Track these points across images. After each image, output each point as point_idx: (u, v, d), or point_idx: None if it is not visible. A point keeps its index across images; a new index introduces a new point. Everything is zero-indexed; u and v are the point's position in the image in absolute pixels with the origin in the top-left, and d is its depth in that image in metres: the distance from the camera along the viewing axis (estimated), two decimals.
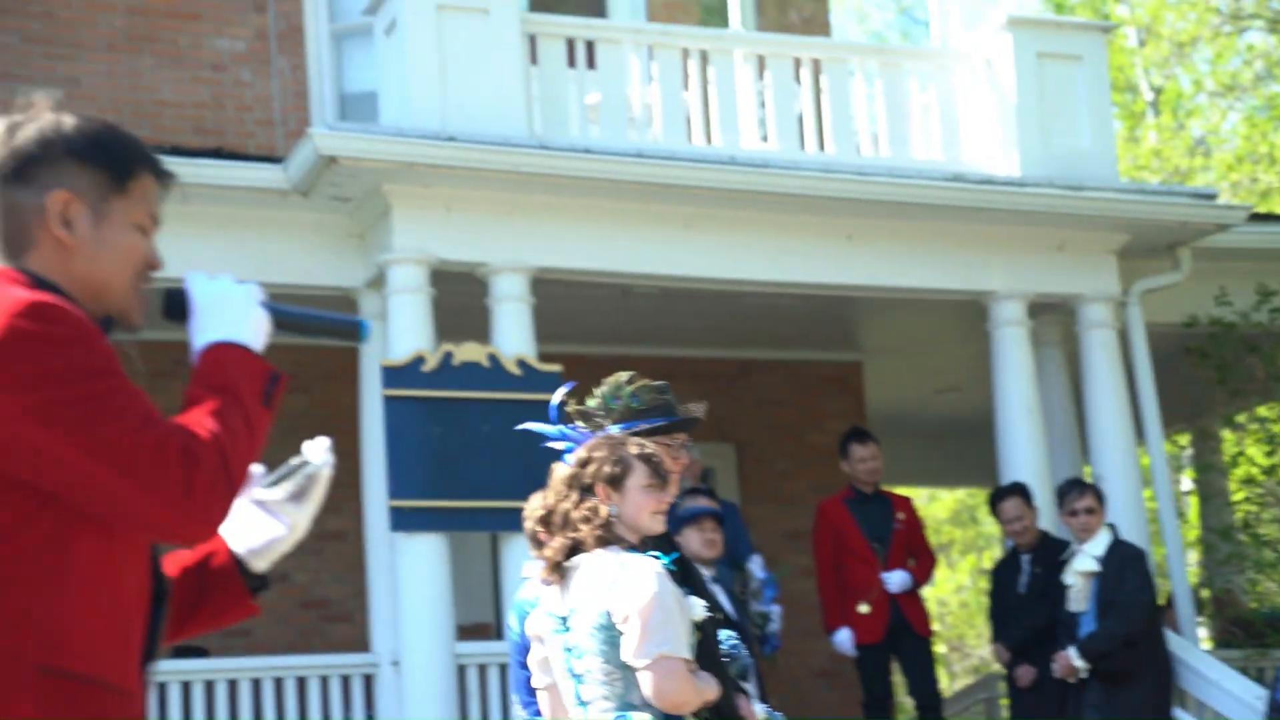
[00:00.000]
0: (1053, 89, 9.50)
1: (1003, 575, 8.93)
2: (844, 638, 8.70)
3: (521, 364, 8.32)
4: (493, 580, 9.10)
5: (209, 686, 8.15)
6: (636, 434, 4.08)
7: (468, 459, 8.12)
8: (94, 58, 9.99)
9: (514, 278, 8.43)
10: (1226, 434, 12.43)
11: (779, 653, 8.19)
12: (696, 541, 7.14)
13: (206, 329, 2.16)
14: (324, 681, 8.36)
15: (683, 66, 9.08)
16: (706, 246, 8.87)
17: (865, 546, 8.76)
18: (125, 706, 2.07)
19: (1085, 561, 8.20)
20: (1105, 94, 9.80)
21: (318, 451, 2.32)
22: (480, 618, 9.69)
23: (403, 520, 8.08)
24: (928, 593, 10.75)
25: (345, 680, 8.40)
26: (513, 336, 8.39)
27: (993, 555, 22.65)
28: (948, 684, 22.49)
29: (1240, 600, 10.84)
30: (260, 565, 2.34)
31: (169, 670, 7.94)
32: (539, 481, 4.17)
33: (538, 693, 4.03)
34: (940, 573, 21.38)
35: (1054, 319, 9.89)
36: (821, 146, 9.30)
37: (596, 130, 8.87)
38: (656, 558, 3.83)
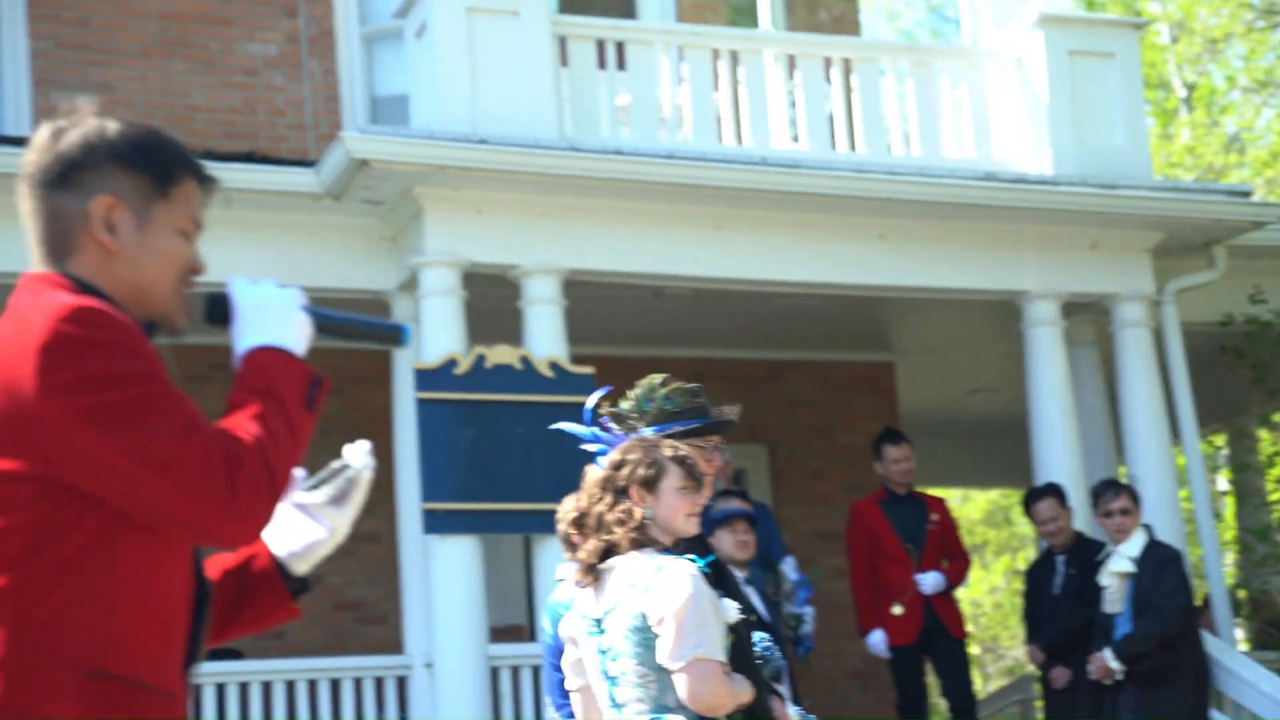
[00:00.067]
0: (1085, 86, 9.45)
1: (1037, 576, 8.89)
2: (878, 639, 8.68)
3: (554, 366, 8.32)
4: (525, 582, 9.11)
5: (243, 688, 8.18)
6: (670, 436, 4.07)
7: (500, 461, 8.13)
8: (127, 63, 10.05)
9: (545, 280, 8.44)
10: (1263, 433, 12.34)
11: (812, 654, 8.17)
12: (729, 543, 7.14)
13: (249, 333, 2.17)
14: (358, 683, 8.38)
15: (713, 67, 9.07)
16: (738, 247, 8.86)
17: (899, 548, 8.74)
18: (168, 709, 2.08)
19: (1120, 563, 8.15)
20: (1138, 91, 9.74)
21: (358, 455, 2.32)
22: (513, 620, 9.70)
23: (436, 523, 8.10)
24: (961, 594, 10.70)
25: (379, 682, 8.42)
26: (544, 339, 8.40)
27: (1026, 556, 22.55)
28: (982, 685, 22.41)
29: (1277, 601, 10.75)
30: (301, 568, 2.34)
31: (204, 672, 7.97)
32: (571, 484, 4.17)
33: (571, 695, 4.03)
34: (974, 574, 21.28)
35: (1088, 318, 9.84)
36: (852, 146, 9.27)
37: (627, 132, 8.87)
38: (692, 560, 3.82)
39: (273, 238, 8.44)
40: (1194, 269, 9.81)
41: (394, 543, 8.81)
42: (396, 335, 2.36)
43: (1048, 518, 8.64)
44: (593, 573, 3.85)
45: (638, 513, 3.84)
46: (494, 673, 8.24)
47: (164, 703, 2.07)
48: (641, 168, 8.48)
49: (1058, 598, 8.60)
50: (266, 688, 8.24)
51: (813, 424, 11.12)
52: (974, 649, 23.09)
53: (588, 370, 8.23)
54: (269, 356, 2.14)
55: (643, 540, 3.83)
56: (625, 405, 4.20)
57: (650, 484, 3.87)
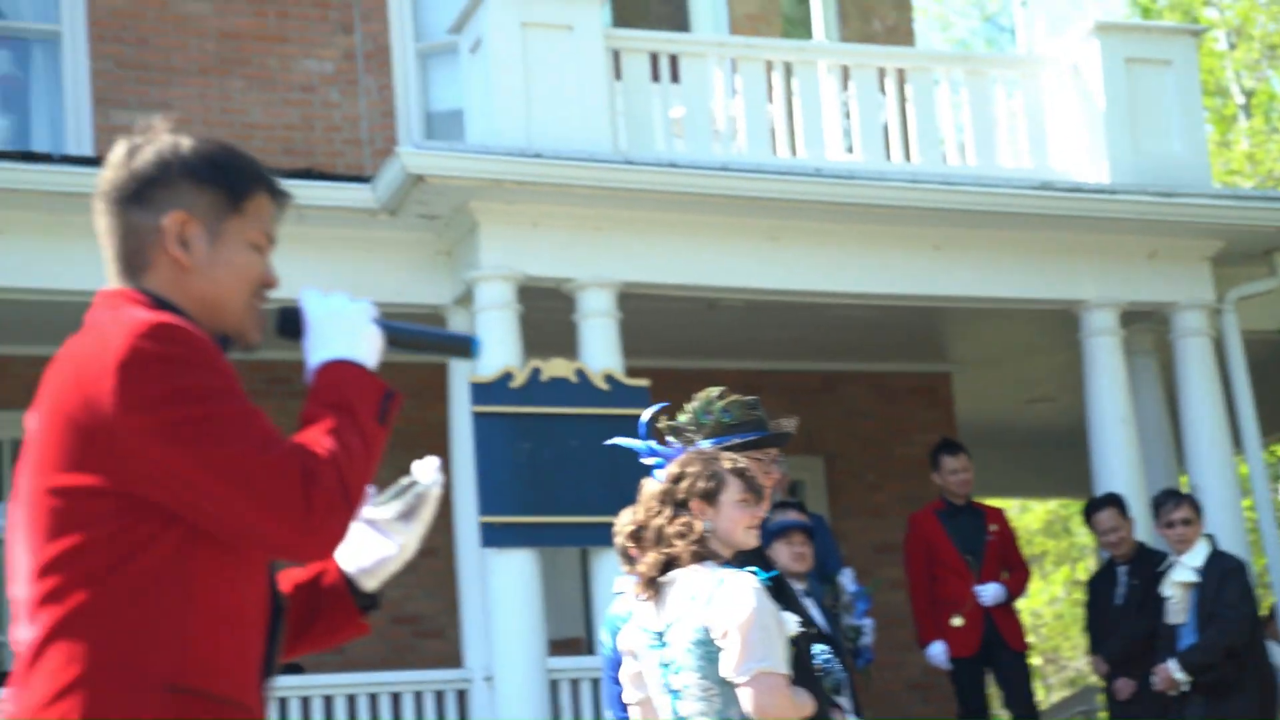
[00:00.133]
0: (1142, 94, 9.38)
1: (1099, 587, 8.81)
2: (938, 651, 8.62)
3: (609, 379, 8.33)
4: (583, 595, 9.12)
5: (305, 703, 8.23)
6: (728, 449, 4.07)
7: (557, 474, 8.15)
8: (186, 82, 10.16)
9: (600, 293, 8.45)
10: None
11: (872, 666, 8.12)
12: (785, 555, 7.10)
13: (322, 347, 2.17)
14: (418, 697, 8.41)
15: (766, 79, 9.06)
16: (792, 259, 8.84)
17: (958, 559, 8.68)
18: None
19: (1184, 573, 8.07)
20: (1196, 98, 9.66)
21: (427, 471, 2.33)
22: (571, 632, 9.70)
23: (493, 536, 8.12)
24: (1021, 605, 10.62)
25: (439, 696, 8.44)
26: (600, 351, 8.41)
27: (1086, 566, 22.36)
28: (1043, 696, 22.22)
29: None
30: (370, 584, 2.34)
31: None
32: (627, 496, 4.17)
33: (630, 708, 4.03)
34: (1033, 584, 21.12)
35: (1147, 327, 9.76)
36: (907, 156, 9.24)
37: (681, 144, 8.88)
38: (754, 573, 3.81)
39: (329, 253, 8.49)
40: (1254, 277, 9.71)
41: (452, 556, 8.84)
42: (467, 347, 2.37)
43: (1109, 528, 8.57)
44: (653, 586, 3.84)
45: (698, 526, 3.84)
46: (553, 685, 8.24)
47: (242, 717, 2.08)
48: (696, 180, 8.48)
49: (1120, 608, 8.53)
50: (328, 702, 8.28)
51: (869, 435, 11.08)
52: (1035, 660, 22.90)
53: (643, 383, 8.23)
54: (342, 370, 2.15)
55: (703, 553, 3.82)
56: (683, 418, 4.20)
57: (710, 497, 3.86)
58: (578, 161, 8.28)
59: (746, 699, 3.68)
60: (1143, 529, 8.69)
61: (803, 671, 3.85)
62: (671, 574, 3.83)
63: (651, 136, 8.76)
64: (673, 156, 8.65)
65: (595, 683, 8.18)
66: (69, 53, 10.07)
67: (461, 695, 8.45)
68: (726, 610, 3.69)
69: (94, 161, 8.30)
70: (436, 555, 9.39)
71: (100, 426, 2.01)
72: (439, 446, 8.54)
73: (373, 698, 8.34)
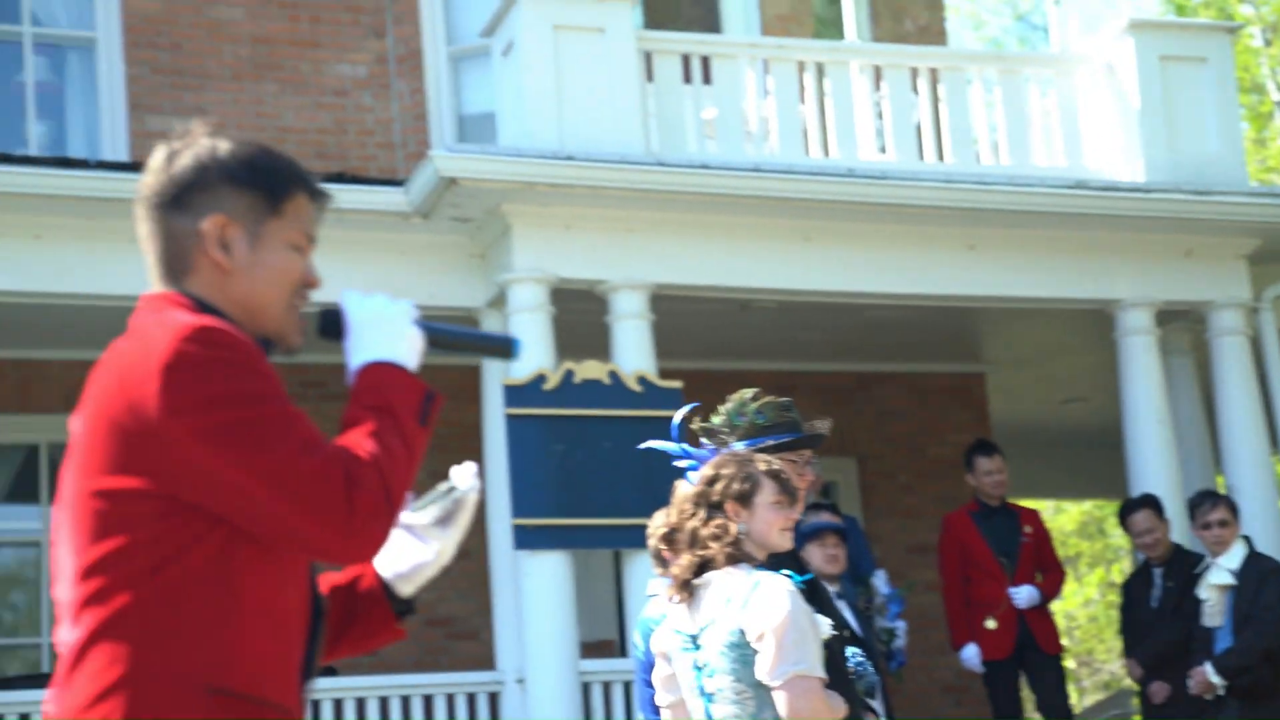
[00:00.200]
0: (1177, 92, 9.32)
1: (1134, 589, 8.76)
2: (971, 654, 8.59)
3: (642, 380, 8.33)
4: (616, 597, 9.12)
5: (338, 705, 8.26)
6: (762, 450, 4.06)
7: (590, 476, 8.15)
8: (219, 87, 10.21)
9: (633, 294, 8.45)
10: None
11: (905, 669, 8.09)
12: (818, 557, 7.09)
13: (363, 348, 2.17)
14: (450, 699, 8.43)
15: (798, 79, 9.05)
16: (825, 259, 8.82)
17: (992, 561, 8.64)
18: None
19: (1220, 575, 8.01)
20: (1232, 96, 9.60)
21: (465, 477, 2.32)
22: (604, 634, 9.70)
23: (526, 538, 8.13)
24: (1055, 607, 10.57)
25: (471, 698, 8.46)
26: (633, 353, 8.41)
27: (1121, 568, 22.24)
28: (1077, 699, 22.11)
29: None
30: (406, 589, 2.35)
31: None
32: (660, 499, 4.16)
33: (662, 711, 4.03)
34: (1068, 586, 21.02)
35: (1183, 326, 9.70)
36: (940, 156, 9.21)
37: (713, 145, 8.87)
38: (788, 576, 3.80)
39: (363, 256, 8.51)
40: None
41: (484, 558, 8.85)
42: (508, 348, 2.37)
43: (1144, 529, 8.51)
44: (687, 588, 3.83)
45: (733, 528, 3.83)
46: (585, 688, 8.25)
47: (282, 719, 2.08)
48: (728, 181, 8.48)
49: (1156, 611, 8.47)
50: (360, 704, 8.31)
51: (903, 436, 11.04)
52: (1069, 662, 22.79)
53: (676, 384, 8.22)
54: (383, 372, 2.15)
55: (738, 555, 3.81)
56: (716, 420, 4.19)
57: (745, 499, 3.85)
58: (610, 164, 8.29)
59: (781, 702, 3.67)
60: (1179, 530, 8.63)
61: (836, 674, 3.84)
62: (706, 576, 3.82)
63: (684, 138, 8.75)
64: (705, 158, 8.64)
65: (627, 685, 8.17)
66: (104, 59, 10.14)
67: (493, 697, 8.46)
68: (762, 613, 3.68)
69: (130, 167, 8.35)
70: (470, 557, 9.40)
71: (144, 429, 2.02)
72: (472, 449, 8.56)
73: (405, 700, 8.36)
